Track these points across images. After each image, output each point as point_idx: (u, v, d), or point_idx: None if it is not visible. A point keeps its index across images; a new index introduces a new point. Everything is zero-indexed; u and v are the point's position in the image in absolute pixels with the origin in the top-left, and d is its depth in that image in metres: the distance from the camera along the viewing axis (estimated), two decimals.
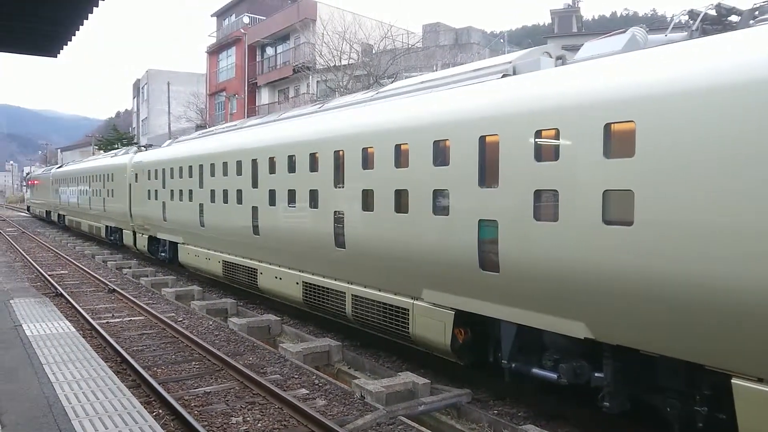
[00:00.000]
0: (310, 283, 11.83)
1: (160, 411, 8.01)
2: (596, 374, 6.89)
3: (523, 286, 7.25)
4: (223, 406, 8.28)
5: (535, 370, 7.55)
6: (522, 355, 7.75)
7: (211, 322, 13.49)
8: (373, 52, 33.37)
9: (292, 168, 12.20)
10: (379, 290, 9.89)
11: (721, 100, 5.34)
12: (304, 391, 8.87)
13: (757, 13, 6.23)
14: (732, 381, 5.43)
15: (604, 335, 6.49)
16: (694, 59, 5.75)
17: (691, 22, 6.56)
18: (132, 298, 15.90)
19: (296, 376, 9.58)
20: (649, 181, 5.83)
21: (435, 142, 8.47)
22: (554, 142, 6.83)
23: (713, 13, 6.54)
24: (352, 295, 10.56)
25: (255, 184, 13.76)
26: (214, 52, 52.68)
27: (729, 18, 6.54)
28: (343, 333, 12.23)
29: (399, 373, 9.33)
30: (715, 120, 5.36)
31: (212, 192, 16.06)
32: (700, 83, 5.52)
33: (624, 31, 7.16)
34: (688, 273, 5.53)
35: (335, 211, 10.77)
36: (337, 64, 32.82)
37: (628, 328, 6.21)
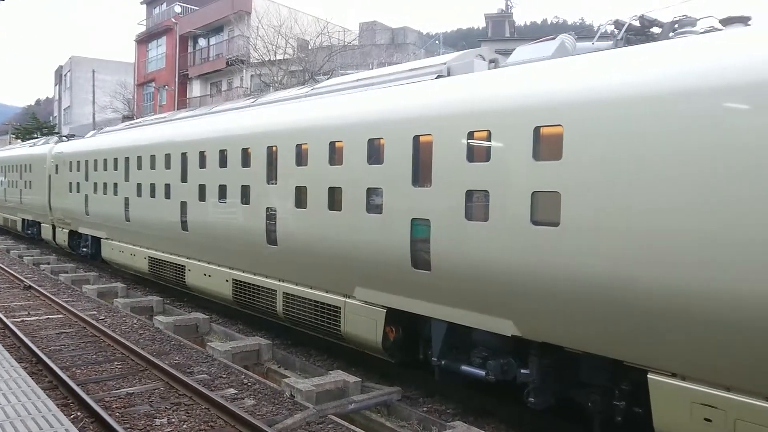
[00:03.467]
0: (241, 281, 11.61)
1: (79, 413, 7.66)
2: (522, 371, 7.07)
3: (454, 285, 7.35)
4: (147, 407, 8.00)
5: (464, 368, 7.67)
6: (452, 352, 7.86)
7: (135, 321, 13.02)
8: (309, 48, 33.08)
9: (223, 163, 11.92)
10: (311, 288, 9.81)
11: (640, 109, 5.58)
12: (232, 390, 8.69)
13: (676, 26, 6.54)
14: (648, 376, 5.69)
15: (530, 333, 6.66)
16: (618, 68, 5.99)
17: (617, 31, 6.82)
18: (50, 296, 15.14)
19: (224, 376, 9.37)
20: (574, 183, 6.03)
21: (370, 140, 8.46)
22: (486, 143, 6.95)
23: (637, 24, 6.82)
24: (284, 292, 10.43)
25: (184, 179, 13.37)
26: (144, 40, 50.88)
27: (651, 29, 6.84)
28: (274, 331, 12.07)
29: (330, 372, 9.29)
30: (635, 127, 5.59)
31: (139, 186, 15.50)
32: (623, 92, 5.75)
33: (554, 38, 7.37)
34: (610, 273, 5.75)
35: (267, 208, 10.61)
36: (272, 59, 32.34)
37: (554, 326, 6.40)
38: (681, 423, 5.51)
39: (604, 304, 5.84)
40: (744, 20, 5.94)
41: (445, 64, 8.26)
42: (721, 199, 5.05)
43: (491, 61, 8.30)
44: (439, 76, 8.12)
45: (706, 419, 5.33)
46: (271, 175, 10.60)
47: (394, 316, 8.43)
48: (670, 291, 5.35)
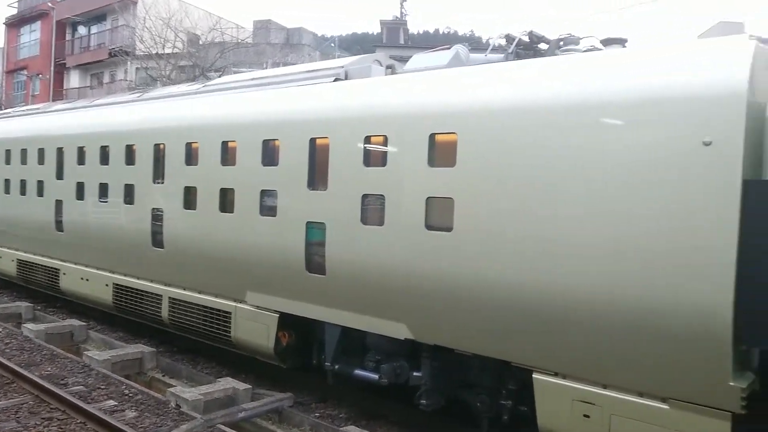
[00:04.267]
0: (123, 285, 10.95)
1: None
2: (415, 374, 7.18)
3: (348, 289, 7.33)
4: (14, 424, 7.32)
5: (358, 372, 7.68)
6: (345, 356, 7.84)
7: (0, 329, 11.92)
8: (200, 43, 31.96)
9: (105, 160, 11.20)
10: (200, 293, 9.43)
11: (528, 119, 5.87)
12: (111, 402, 8.15)
13: (562, 43, 6.94)
14: (533, 376, 5.96)
15: (423, 336, 6.78)
16: (508, 81, 6.26)
17: (508, 45, 7.12)
18: None
19: (103, 387, 8.77)
20: (467, 189, 6.21)
21: (264, 141, 8.28)
22: (383, 148, 7.01)
23: (526, 39, 7.15)
24: (170, 297, 9.95)
25: (60, 176, 12.44)
26: (15, 24, 46.89)
27: (539, 45, 7.20)
28: (158, 338, 11.49)
29: (219, 380, 8.96)
30: (524, 136, 5.86)
31: (6, 182, 14.23)
32: (513, 102, 6.02)
33: (449, 48, 7.57)
34: (499, 277, 5.98)
35: (153, 209, 10.09)
36: (159, 52, 30.90)
37: (446, 329, 6.55)
38: (562, 419, 5.81)
39: (493, 307, 6.05)
40: (621, 42, 6.40)
41: (342, 67, 8.25)
42: (600, 209, 5.40)
43: (388, 67, 8.38)
44: (336, 80, 8.09)
45: (585, 415, 5.66)
46: (158, 174, 10.09)
47: (287, 321, 8.29)
48: (552, 294, 5.64)
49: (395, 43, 35.04)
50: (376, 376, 7.41)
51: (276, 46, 34.54)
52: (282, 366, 8.70)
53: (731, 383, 4.86)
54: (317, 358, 8.32)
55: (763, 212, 4.77)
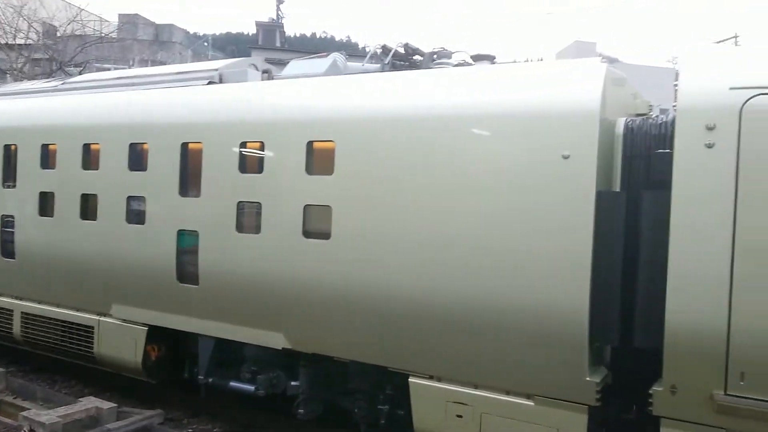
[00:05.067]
0: None
1: None
2: (292, 383, 7.10)
3: (223, 299, 7.12)
4: None
5: (233, 384, 7.47)
6: (220, 369, 7.60)
7: None
8: (58, 35, 29.63)
9: None
10: (58, 307, 8.73)
11: (401, 129, 6.03)
12: None
13: (435, 56, 7.20)
14: (409, 380, 6.12)
15: (301, 345, 6.73)
16: (384, 90, 6.39)
17: (384, 55, 7.27)
18: None
19: None
20: (345, 197, 6.26)
21: (132, 144, 7.83)
22: (259, 154, 6.89)
23: (402, 51, 7.34)
24: (22, 312, 9.12)
25: None
26: None
27: (414, 57, 7.42)
28: (8, 357, 10.47)
29: (80, 399, 8.31)
30: (400, 145, 6.01)
31: None
32: (388, 112, 6.16)
33: (326, 55, 7.60)
34: (375, 284, 6.08)
35: (3, 215, 9.20)
36: (10, 43, 28.26)
37: (324, 337, 6.55)
38: (437, 421, 6.01)
39: (371, 313, 6.14)
40: (490, 58, 6.75)
41: (217, 70, 8.00)
42: (472, 216, 5.65)
43: (264, 72, 8.24)
44: (210, 83, 7.84)
45: (458, 415, 5.89)
46: (8, 178, 9.24)
47: (156, 334, 7.89)
48: (426, 299, 5.83)
49: (272, 45, 34.63)
50: (252, 388, 7.24)
51: (144, 42, 32.84)
52: (151, 382, 8.26)
53: (587, 378, 5.27)
54: (190, 371, 7.99)
55: (613, 220, 5.23)
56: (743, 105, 4.69)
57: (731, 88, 4.78)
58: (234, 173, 6.97)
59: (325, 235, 6.35)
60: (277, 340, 6.79)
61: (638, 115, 6.08)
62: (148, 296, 7.74)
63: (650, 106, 6.40)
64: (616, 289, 5.27)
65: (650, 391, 5.08)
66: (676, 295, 4.84)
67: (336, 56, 7.40)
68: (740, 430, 4.79)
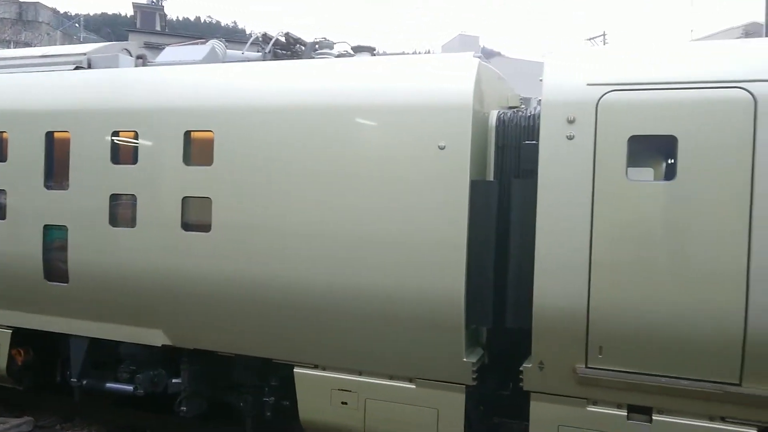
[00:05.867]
0: None
1: None
2: (174, 380, 6.89)
3: (96, 297, 6.76)
4: None
5: (110, 385, 7.12)
6: (96, 370, 7.22)
7: None
8: None
9: None
10: None
11: (280, 118, 6.00)
12: None
13: (317, 46, 7.18)
14: (294, 370, 6.13)
15: (182, 341, 6.54)
16: (263, 80, 6.30)
17: (265, 44, 7.16)
18: None
19: None
20: (225, 189, 6.13)
21: None
22: (133, 144, 6.58)
23: (283, 40, 7.26)
24: None
25: None
26: None
27: (296, 47, 7.36)
28: None
29: None
30: (280, 134, 5.98)
31: None
32: (267, 101, 6.09)
33: (205, 42, 7.37)
34: (257, 276, 6.02)
35: None
36: None
37: (206, 332, 6.40)
38: (322, 409, 6.07)
39: (253, 306, 6.07)
40: (370, 50, 6.84)
41: (85, 55, 7.52)
42: (355, 206, 5.73)
43: (139, 57, 7.85)
44: (78, 68, 7.36)
45: (343, 402, 5.98)
46: None
47: (22, 337, 7.35)
48: (309, 289, 5.86)
49: (151, 28, 32.92)
50: (131, 388, 6.94)
51: (5, 21, 30.15)
52: (18, 388, 7.70)
53: (464, 360, 5.53)
54: (62, 374, 7.54)
55: (486, 208, 5.50)
56: (599, 100, 5.08)
57: (589, 84, 5.16)
58: (106, 164, 6.62)
59: (205, 228, 6.20)
60: (155, 337, 6.56)
61: (510, 107, 6.40)
62: (11, 297, 7.20)
63: (521, 99, 6.75)
64: (489, 273, 5.55)
65: (521, 368, 5.41)
66: (541, 278, 5.18)
67: (214, 43, 7.19)
68: (600, 399, 5.22)
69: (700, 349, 4.84)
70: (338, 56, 6.99)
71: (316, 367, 6.09)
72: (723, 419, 4.91)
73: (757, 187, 4.66)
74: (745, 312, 4.69)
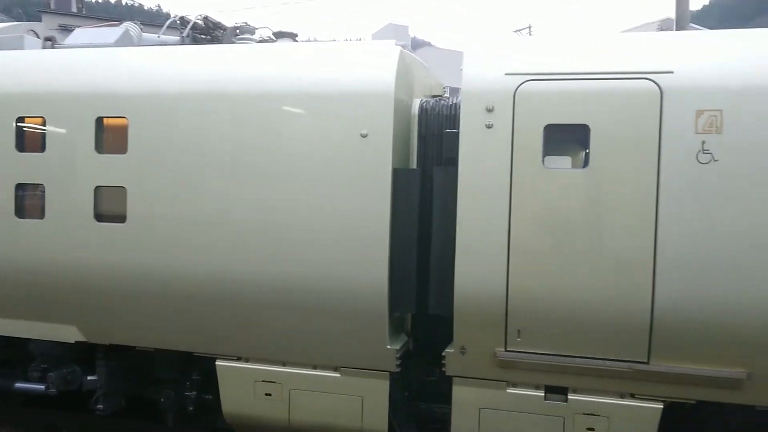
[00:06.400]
0: None
1: None
2: (89, 378, 6.62)
3: (3, 292, 6.39)
4: None
5: (20, 385, 6.76)
6: (4, 369, 6.84)
7: None
8: None
9: None
10: None
11: (198, 104, 5.82)
12: None
13: (238, 31, 7.00)
14: (216, 363, 6.00)
15: (97, 336, 6.28)
16: (184, 64, 6.09)
17: (182, 27, 6.91)
18: None
19: None
20: (141, 177, 5.91)
21: None
22: (40, 131, 6.23)
23: (202, 23, 7.04)
24: None
25: None
26: None
27: (216, 31, 7.15)
28: None
29: None
30: (198, 121, 5.80)
31: None
32: (188, 87, 5.89)
33: (118, 24, 7.04)
34: (177, 267, 5.84)
35: None
36: None
37: (123, 326, 6.17)
38: (246, 402, 5.98)
39: (172, 299, 5.90)
40: (292, 36, 6.72)
41: None
42: (278, 194, 5.63)
43: (47, 39, 7.42)
44: None
45: (267, 394, 5.91)
46: None
47: None
48: (231, 280, 5.74)
49: (66, 9, 31.17)
50: (42, 387, 6.61)
51: None
52: None
53: (388, 347, 5.56)
54: None
55: (409, 196, 5.53)
56: (516, 89, 5.18)
57: (507, 74, 5.26)
58: (10, 152, 6.24)
59: (120, 219, 5.96)
60: (69, 334, 6.27)
61: (434, 96, 6.45)
62: None
63: (450, 88, 6.82)
64: (412, 261, 5.60)
65: (443, 354, 5.49)
66: (462, 265, 5.26)
67: (129, 26, 6.88)
68: (519, 381, 5.37)
69: (612, 330, 5.05)
70: (260, 42, 6.83)
71: (239, 359, 5.98)
72: (633, 396, 5.16)
73: (663, 175, 4.88)
74: (652, 294, 4.92)
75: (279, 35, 6.72)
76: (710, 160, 4.80)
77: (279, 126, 5.67)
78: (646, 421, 5.11)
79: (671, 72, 4.92)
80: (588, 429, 5.23)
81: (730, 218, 4.78)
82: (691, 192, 4.84)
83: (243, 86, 5.81)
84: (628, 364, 5.03)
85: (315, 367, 5.81)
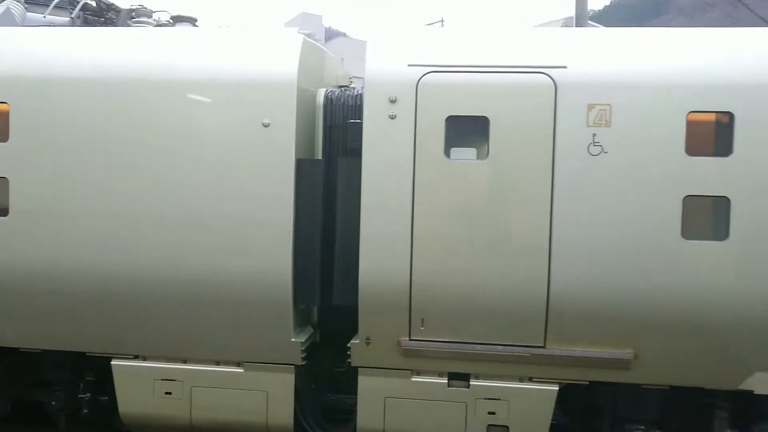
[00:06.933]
0: None
1: None
2: None
3: None
4: None
5: None
6: None
7: None
8: None
9: None
10: None
11: (93, 92, 5.52)
12: None
13: (133, 14, 6.66)
14: (111, 363, 5.72)
15: None
16: (74, 48, 5.74)
17: (71, 7, 6.51)
18: None
19: None
20: (24, 168, 5.53)
21: None
22: None
23: (94, 4, 6.64)
24: None
25: None
26: None
27: (109, 13, 6.77)
28: None
29: None
30: (86, 109, 5.49)
31: None
32: (75, 72, 5.56)
33: None
34: (66, 261, 5.52)
35: None
36: None
37: (6, 327, 5.77)
38: (144, 402, 5.73)
39: (60, 296, 5.57)
40: (192, 20, 6.47)
41: None
42: (174, 185, 5.40)
43: None
44: None
45: (167, 392, 5.69)
46: None
47: None
48: (126, 275, 5.48)
49: None
50: None
51: None
52: None
53: (293, 339, 5.48)
54: None
55: (313, 187, 5.47)
56: (419, 80, 5.21)
57: (410, 65, 5.28)
58: None
59: (2, 212, 5.55)
60: None
61: (340, 86, 6.39)
62: None
63: (351, 78, 6.77)
64: (317, 252, 5.54)
65: (348, 345, 5.48)
66: (366, 255, 5.25)
67: (10, 4, 6.38)
68: (423, 369, 5.45)
69: (512, 316, 5.21)
70: (157, 26, 6.54)
71: (136, 357, 5.73)
72: (531, 379, 5.34)
73: (557, 166, 5.06)
74: (548, 281, 5.11)
75: (177, 19, 6.45)
76: (600, 152, 5.02)
77: (175, 115, 5.44)
78: (543, 402, 5.32)
79: (565, 67, 5.10)
80: (489, 413, 5.37)
81: (619, 208, 5.03)
82: (583, 183, 5.05)
83: (137, 72, 5.54)
84: (527, 349, 5.21)
85: (218, 363, 5.65)
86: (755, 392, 5.10)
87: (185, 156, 5.40)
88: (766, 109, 4.91)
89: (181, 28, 6.28)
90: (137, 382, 5.72)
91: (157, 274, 5.45)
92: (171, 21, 6.56)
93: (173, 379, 5.68)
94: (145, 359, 5.71)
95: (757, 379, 5.07)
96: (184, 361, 5.67)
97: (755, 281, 4.95)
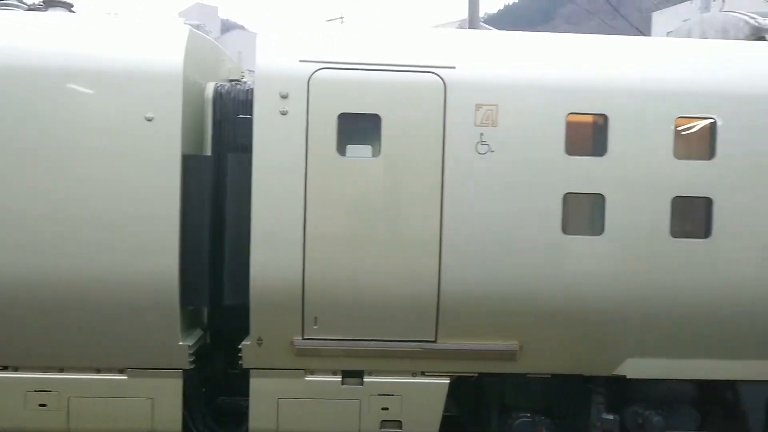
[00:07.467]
0: None
1: None
2: None
3: None
4: None
5: None
6: None
7: None
8: None
9: None
10: None
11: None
12: None
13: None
14: None
15: None
16: None
17: None
18: None
19: None
20: None
21: None
22: None
23: None
24: None
25: None
26: None
27: None
28: None
29: None
30: None
31: None
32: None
33: None
34: None
35: None
36: None
37: None
38: (16, 415, 5.32)
39: None
40: (67, 6, 6.04)
41: None
42: (61, 179, 5.05)
43: None
44: None
45: (41, 404, 5.30)
46: None
47: None
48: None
49: None
50: None
51: None
52: None
53: (180, 343, 5.26)
54: None
55: (200, 184, 5.27)
56: (311, 76, 5.15)
57: (301, 61, 5.21)
58: None
59: None
60: None
61: (231, 80, 6.20)
62: None
63: (243, 72, 6.59)
64: (205, 251, 5.36)
65: (239, 346, 5.33)
66: (258, 254, 5.13)
67: None
68: (316, 368, 5.40)
69: (404, 312, 5.28)
70: (28, 10, 6.05)
71: (5, 368, 5.29)
72: (423, 374, 5.44)
73: (447, 164, 5.18)
74: (439, 276, 5.21)
75: (50, 4, 6.00)
76: (487, 151, 5.18)
77: (52, 106, 5.06)
78: (434, 396, 5.43)
79: (454, 67, 5.22)
80: (383, 408, 5.42)
81: (505, 205, 5.21)
82: (471, 181, 5.20)
83: (8, 60, 5.10)
84: (418, 344, 5.30)
85: (98, 371, 5.33)
86: (627, 377, 5.47)
87: (63, 150, 5.04)
88: (636, 111, 5.26)
89: (55, 13, 5.84)
90: (7, 395, 5.28)
91: (29, 277, 5.06)
92: (43, 5, 6.09)
93: (48, 389, 5.30)
94: (16, 369, 5.28)
95: (628, 364, 5.44)
96: (61, 370, 5.30)
97: (628, 275, 5.29)
